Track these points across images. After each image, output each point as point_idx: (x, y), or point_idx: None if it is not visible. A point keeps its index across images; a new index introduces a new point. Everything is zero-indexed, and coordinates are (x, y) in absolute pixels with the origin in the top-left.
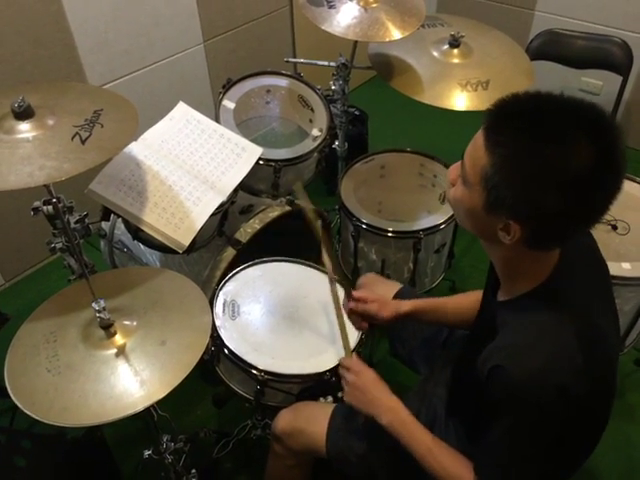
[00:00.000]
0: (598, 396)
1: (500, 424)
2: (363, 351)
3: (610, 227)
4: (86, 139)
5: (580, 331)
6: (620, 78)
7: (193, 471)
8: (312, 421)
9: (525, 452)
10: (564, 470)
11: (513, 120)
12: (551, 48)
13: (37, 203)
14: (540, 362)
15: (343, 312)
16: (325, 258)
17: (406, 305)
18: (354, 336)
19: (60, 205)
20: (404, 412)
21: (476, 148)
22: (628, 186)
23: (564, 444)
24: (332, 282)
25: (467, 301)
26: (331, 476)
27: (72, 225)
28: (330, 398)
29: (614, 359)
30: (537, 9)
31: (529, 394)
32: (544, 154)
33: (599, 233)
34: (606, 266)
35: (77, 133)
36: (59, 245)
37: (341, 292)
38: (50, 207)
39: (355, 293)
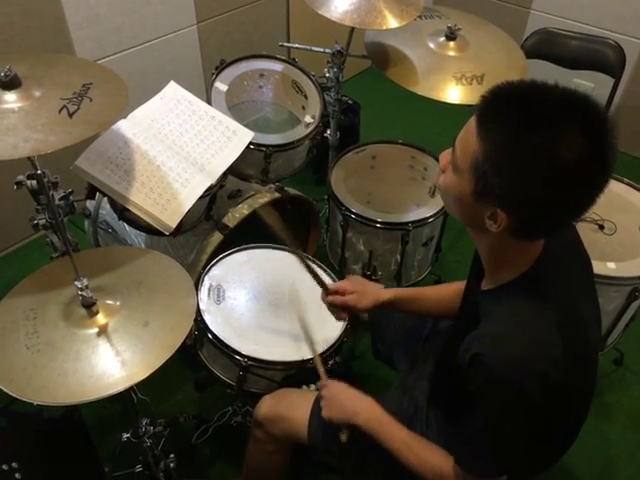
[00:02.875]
0: (578, 386)
1: (481, 412)
2: (345, 346)
3: (597, 227)
4: (74, 112)
5: (561, 320)
6: (612, 81)
7: (171, 456)
8: (294, 408)
9: (505, 441)
10: (542, 462)
11: (506, 107)
12: (545, 47)
13: (21, 177)
14: (520, 350)
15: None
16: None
17: (386, 294)
18: (335, 334)
19: (45, 180)
20: (377, 410)
21: (468, 134)
22: (616, 187)
23: (543, 434)
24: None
25: (448, 291)
26: (310, 462)
27: (56, 202)
28: (313, 386)
29: (594, 350)
30: (533, 8)
31: (509, 381)
32: (534, 143)
33: (586, 232)
34: (589, 259)
35: (65, 106)
36: (42, 222)
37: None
38: (34, 182)
39: (332, 285)
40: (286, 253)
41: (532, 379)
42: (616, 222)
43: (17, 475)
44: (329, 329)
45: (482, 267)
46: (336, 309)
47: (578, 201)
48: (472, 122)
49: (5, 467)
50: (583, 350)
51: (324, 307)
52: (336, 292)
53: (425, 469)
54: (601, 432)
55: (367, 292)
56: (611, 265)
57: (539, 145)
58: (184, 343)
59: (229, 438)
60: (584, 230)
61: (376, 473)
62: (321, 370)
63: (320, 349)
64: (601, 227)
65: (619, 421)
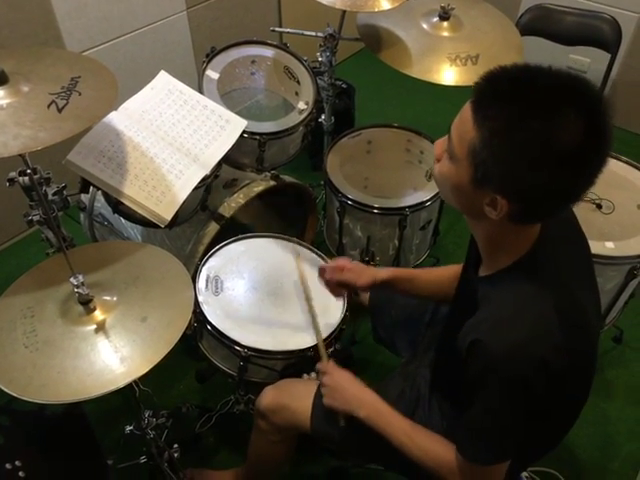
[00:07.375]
0: (577, 369)
1: (480, 399)
2: (346, 331)
3: (595, 206)
4: (63, 107)
5: (559, 303)
6: (608, 56)
7: (175, 446)
8: (296, 398)
9: (506, 426)
10: (543, 444)
11: (502, 93)
12: (540, 24)
13: (13, 174)
14: (519, 335)
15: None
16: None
17: (383, 273)
18: (334, 322)
19: (36, 176)
20: (380, 403)
21: (463, 122)
22: (613, 165)
23: (542, 419)
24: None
25: (445, 274)
26: (315, 451)
27: (50, 197)
28: (314, 374)
29: (593, 332)
30: None
31: (508, 367)
32: (531, 127)
33: (584, 212)
34: (586, 240)
35: (53, 101)
36: (36, 218)
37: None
38: (26, 178)
39: (331, 263)
40: (283, 242)
41: (531, 364)
42: (614, 201)
43: (21, 473)
44: (330, 316)
45: (479, 254)
46: (333, 285)
47: (578, 183)
48: (467, 109)
49: (9, 466)
50: (581, 332)
51: (325, 294)
52: (333, 269)
53: (427, 459)
54: (601, 409)
55: (365, 270)
56: (609, 245)
57: (536, 129)
58: (184, 333)
59: (232, 426)
60: (582, 210)
61: (376, 459)
62: (324, 355)
63: (324, 334)
64: (599, 206)
65: (619, 398)
